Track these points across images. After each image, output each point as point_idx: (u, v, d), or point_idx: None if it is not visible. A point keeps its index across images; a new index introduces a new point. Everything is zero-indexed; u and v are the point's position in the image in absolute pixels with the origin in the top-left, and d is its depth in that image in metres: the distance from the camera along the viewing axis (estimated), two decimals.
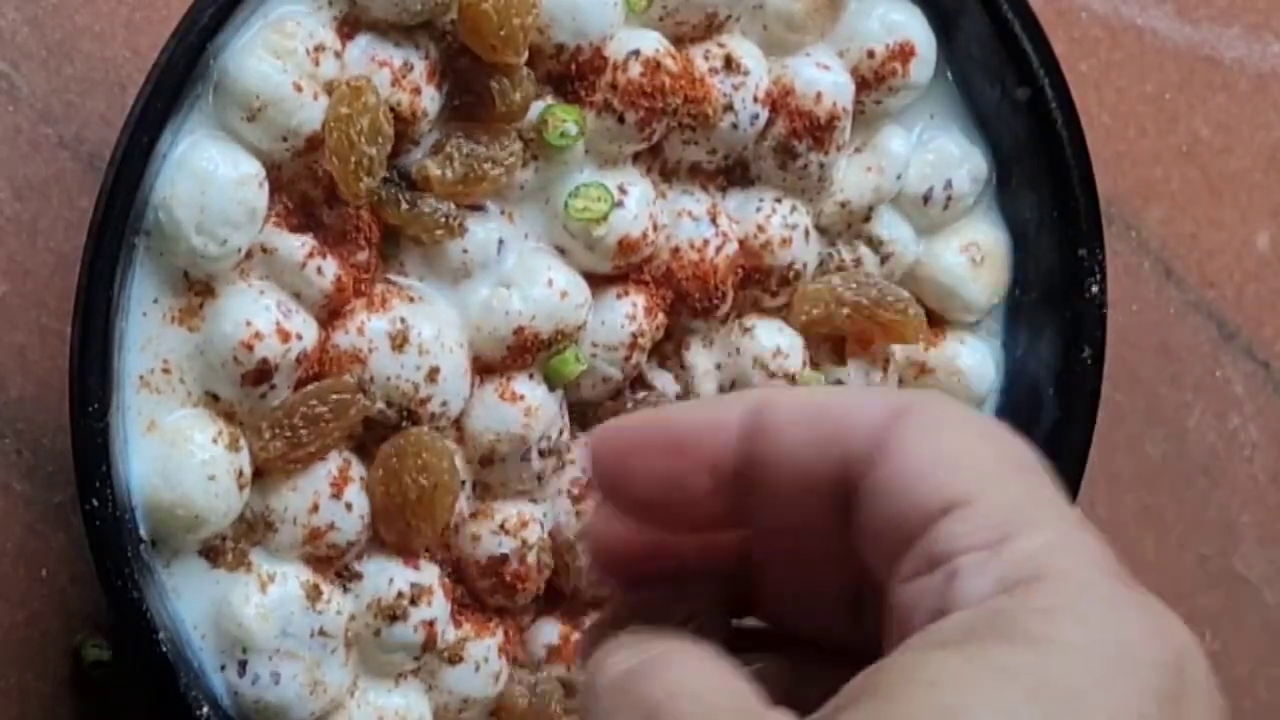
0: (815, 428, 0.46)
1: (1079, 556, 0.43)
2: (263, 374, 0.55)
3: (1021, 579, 0.43)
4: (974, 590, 0.43)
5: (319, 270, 0.55)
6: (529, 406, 0.57)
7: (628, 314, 0.58)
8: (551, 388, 0.58)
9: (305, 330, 0.55)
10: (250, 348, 0.54)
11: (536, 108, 0.57)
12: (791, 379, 0.60)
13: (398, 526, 0.57)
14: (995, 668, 0.41)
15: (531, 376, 0.58)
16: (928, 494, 0.44)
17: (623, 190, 0.58)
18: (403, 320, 0.56)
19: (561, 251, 0.58)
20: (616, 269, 0.59)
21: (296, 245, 0.55)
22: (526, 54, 0.56)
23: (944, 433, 0.45)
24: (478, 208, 0.57)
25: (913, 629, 0.44)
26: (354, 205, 0.56)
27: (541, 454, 0.58)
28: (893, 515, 0.45)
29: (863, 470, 0.46)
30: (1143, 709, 0.41)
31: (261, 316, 0.55)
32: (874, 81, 0.60)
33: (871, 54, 0.60)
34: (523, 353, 0.58)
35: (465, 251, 0.57)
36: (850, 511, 0.46)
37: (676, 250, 0.59)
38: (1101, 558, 0.43)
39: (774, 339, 0.60)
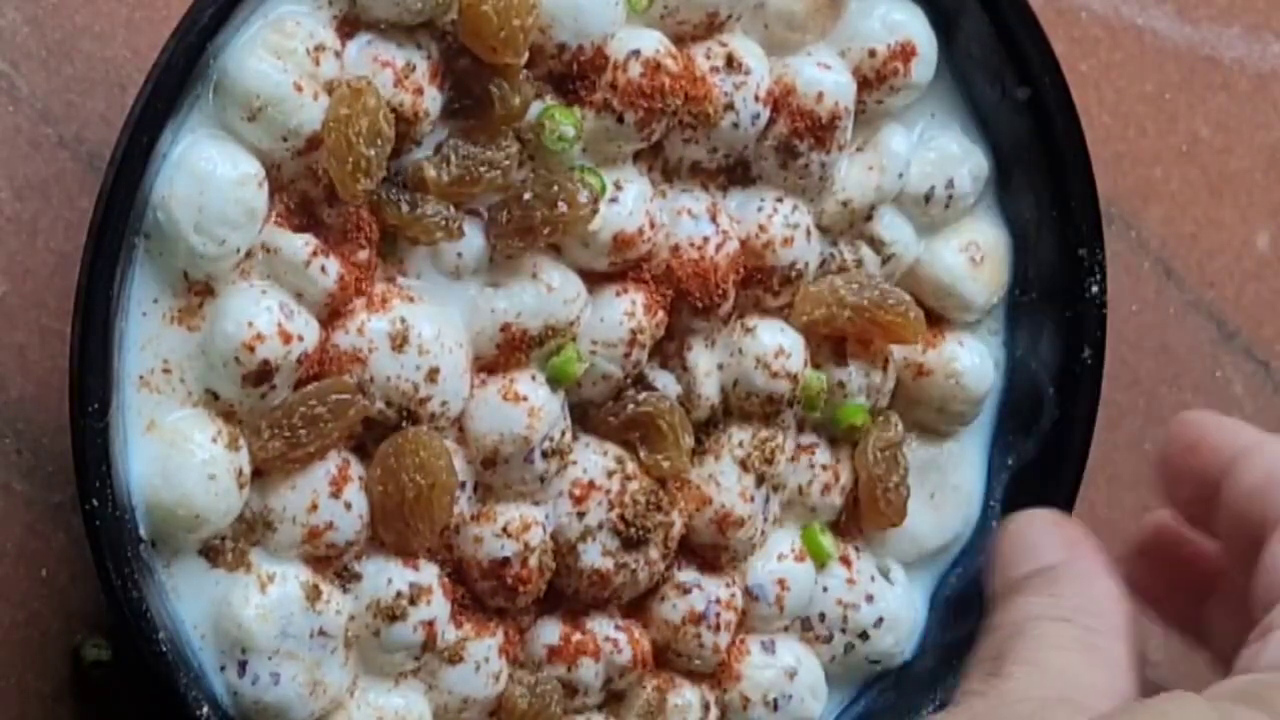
0: (1266, 483, 0.55)
1: None
2: (263, 375, 0.55)
3: None
4: (1270, 659, 0.50)
5: (323, 269, 0.55)
6: (532, 407, 0.57)
7: (626, 311, 0.58)
8: (555, 388, 0.58)
9: (307, 331, 0.55)
10: (252, 349, 0.54)
11: (535, 107, 0.57)
12: (794, 379, 0.60)
13: (396, 526, 0.57)
14: None
15: (534, 378, 0.58)
16: None
17: (618, 186, 0.58)
18: (403, 320, 0.56)
19: (557, 249, 0.58)
20: (614, 266, 0.58)
21: (300, 244, 0.55)
22: (527, 55, 0.56)
23: None
24: (475, 212, 0.57)
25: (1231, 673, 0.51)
26: (353, 205, 0.56)
27: (544, 455, 0.58)
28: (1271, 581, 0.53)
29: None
30: None
31: (263, 317, 0.55)
32: (875, 81, 0.60)
33: (873, 53, 0.60)
34: (513, 350, 0.58)
35: (459, 255, 0.57)
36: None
37: (676, 248, 0.59)
38: None
39: (776, 338, 0.60)
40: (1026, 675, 0.50)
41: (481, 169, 0.57)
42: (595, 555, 0.59)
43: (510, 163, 0.57)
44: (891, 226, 0.62)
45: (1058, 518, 0.58)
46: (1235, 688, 0.49)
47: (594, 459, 0.59)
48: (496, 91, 0.56)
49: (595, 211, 0.57)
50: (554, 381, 0.58)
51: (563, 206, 0.56)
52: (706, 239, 0.59)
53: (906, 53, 0.60)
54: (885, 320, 0.61)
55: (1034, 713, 0.49)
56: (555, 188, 0.57)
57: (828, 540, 0.62)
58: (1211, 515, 0.57)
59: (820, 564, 0.62)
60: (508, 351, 0.58)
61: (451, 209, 0.57)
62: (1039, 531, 0.57)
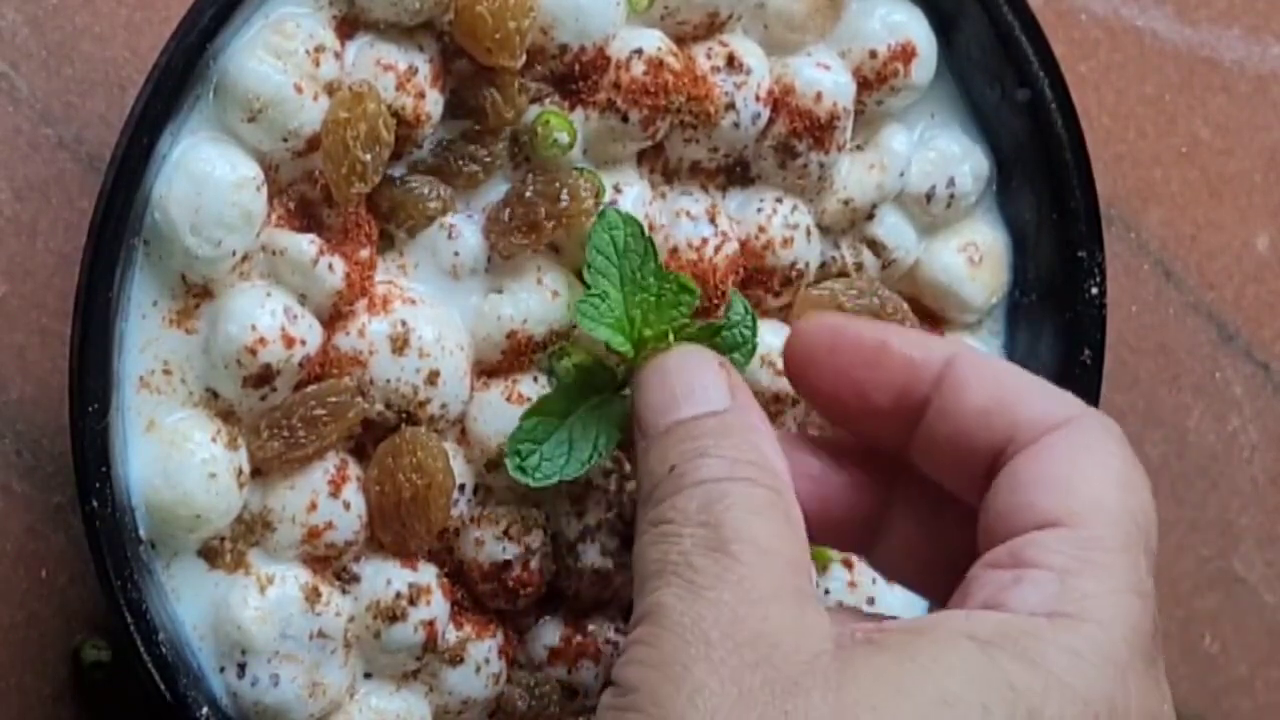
0: (997, 405, 0.53)
1: (1124, 618, 0.49)
2: (264, 378, 0.55)
3: (1068, 613, 0.48)
4: (1027, 601, 0.49)
5: (330, 268, 0.55)
6: None
7: None
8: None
9: (310, 335, 0.55)
10: (254, 352, 0.54)
11: (532, 111, 0.57)
12: None
13: (394, 526, 0.57)
14: (1006, 684, 0.47)
15: (536, 379, 0.58)
16: (1049, 504, 0.50)
17: (618, 189, 0.58)
18: (404, 323, 0.56)
19: (555, 250, 0.58)
20: None
21: (305, 244, 0.55)
22: (524, 57, 0.56)
23: (1090, 454, 0.51)
24: (471, 216, 0.57)
25: (968, 600, 0.50)
26: (349, 207, 0.56)
27: None
28: (1015, 500, 0.51)
29: (1011, 460, 0.52)
30: None
31: (266, 320, 0.55)
32: (875, 82, 0.60)
33: (873, 54, 0.60)
34: (519, 355, 0.58)
35: (457, 254, 0.57)
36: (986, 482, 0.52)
37: (675, 250, 0.59)
38: (1140, 629, 0.49)
39: (779, 338, 0.60)
40: (754, 559, 0.49)
41: (460, 163, 0.57)
42: (595, 555, 0.59)
43: (493, 160, 0.57)
44: (893, 229, 0.62)
45: (721, 359, 0.55)
46: (996, 628, 0.48)
47: None
48: (490, 99, 0.56)
49: (598, 204, 0.57)
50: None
51: (565, 200, 0.56)
52: (705, 240, 0.59)
53: (906, 54, 0.60)
54: None
55: (782, 622, 0.48)
56: (557, 184, 0.57)
57: None
58: (892, 420, 0.54)
59: (822, 566, 0.62)
60: (513, 356, 0.58)
61: (443, 187, 0.57)
62: (705, 371, 0.54)
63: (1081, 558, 0.49)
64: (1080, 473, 0.51)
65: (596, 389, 0.57)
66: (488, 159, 0.57)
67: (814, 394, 0.56)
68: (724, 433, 0.52)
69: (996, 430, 0.52)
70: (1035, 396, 0.53)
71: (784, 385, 0.60)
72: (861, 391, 0.54)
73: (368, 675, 0.58)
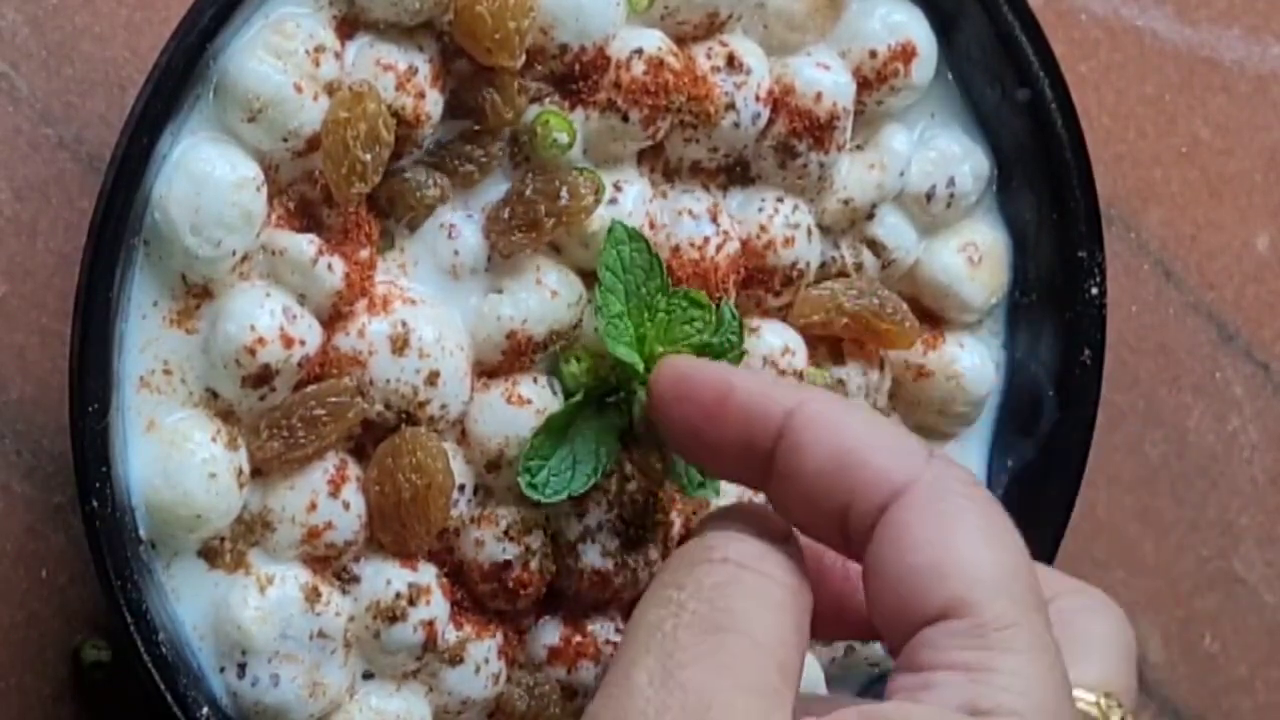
0: (834, 467, 0.50)
1: (1044, 700, 0.46)
2: (263, 378, 0.55)
3: (986, 710, 0.46)
4: (946, 703, 0.46)
5: (329, 267, 0.55)
6: (537, 410, 0.57)
7: None
8: (569, 394, 0.58)
9: (309, 335, 0.55)
10: (253, 352, 0.54)
11: (532, 110, 0.57)
12: (801, 376, 0.60)
13: (393, 527, 0.57)
14: None
15: (536, 380, 0.58)
16: (927, 597, 0.47)
17: (618, 188, 0.58)
18: (404, 324, 0.56)
19: (556, 249, 0.58)
20: None
21: (305, 244, 0.55)
22: (524, 58, 0.56)
23: (945, 519, 0.48)
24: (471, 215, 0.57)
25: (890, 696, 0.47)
26: (349, 207, 0.56)
27: None
28: (891, 599, 0.48)
29: (866, 534, 0.49)
30: None
31: (265, 320, 0.55)
32: (875, 82, 0.60)
33: (873, 54, 0.60)
34: (519, 355, 0.58)
35: (457, 253, 0.57)
36: (854, 548, 0.49)
37: (676, 249, 0.59)
38: (1060, 695, 0.47)
39: (781, 338, 0.60)
40: (744, 650, 0.47)
41: (455, 162, 0.57)
42: (595, 556, 0.59)
43: (489, 160, 0.57)
44: (893, 229, 0.62)
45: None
46: None
47: None
48: (489, 101, 0.56)
49: (598, 202, 0.57)
50: (568, 388, 0.58)
51: (565, 198, 0.56)
52: (707, 239, 0.59)
53: (906, 53, 0.60)
54: (882, 329, 0.61)
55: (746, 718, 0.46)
56: (557, 182, 0.57)
57: None
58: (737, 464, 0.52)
59: None
60: (513, 357, 0.58)
61: (439, 175, 0.57)
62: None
63: (982, 646, 0.47)
64: (944, 548, 0.48)
65: (597, 397, 0.57)
66: (484, 159, 0.57)
67: (671, 441, 0.54)
68: (766, 523, 0.51)
69: (837, 494, 0.50)
70: (874, 454, 0.50)
71: None
72: (708, 443, 0.52)
73: (367, 675, 0.58)
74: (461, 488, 0.57)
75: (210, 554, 0.56)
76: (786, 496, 0.51)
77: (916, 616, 0.48)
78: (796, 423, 0.50)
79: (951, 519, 0.48)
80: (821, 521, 0.50)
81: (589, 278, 0.58)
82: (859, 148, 0.61)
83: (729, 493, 0.59)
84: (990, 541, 0.48)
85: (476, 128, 0.57)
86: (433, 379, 0.56)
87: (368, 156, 0.55)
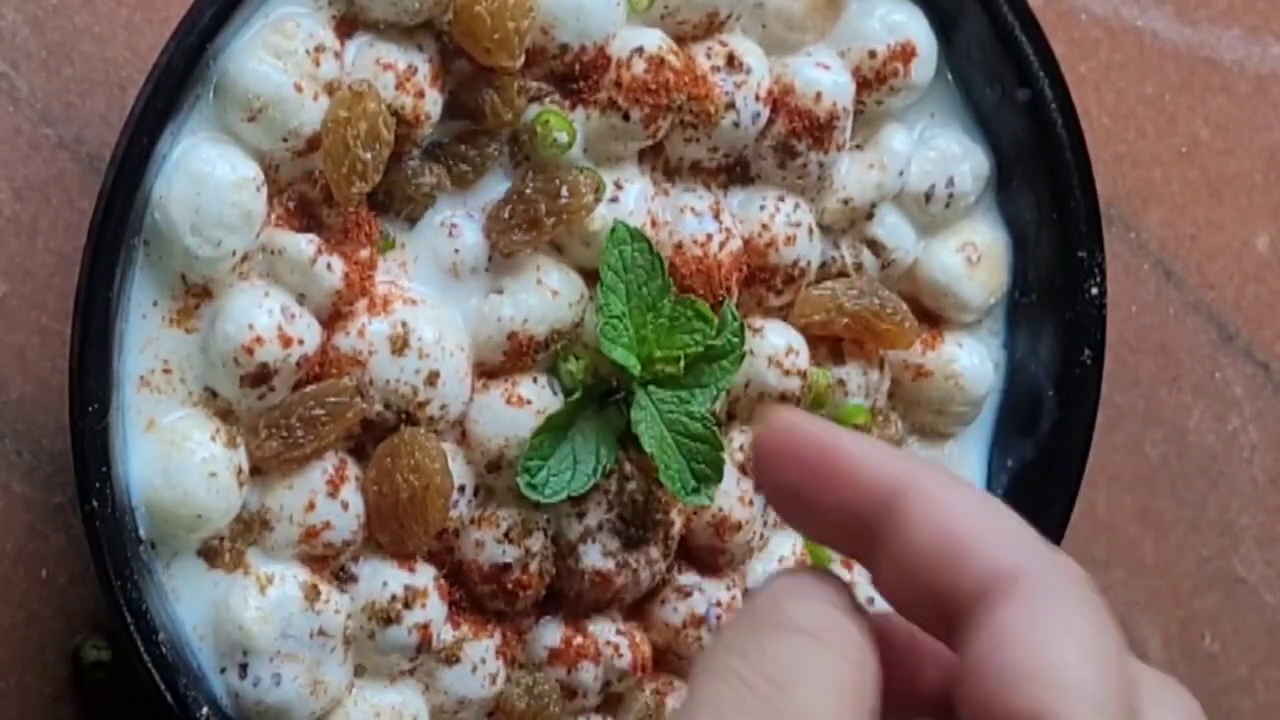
0: (941, 549, 0.48)
1: None
2: (261, 377, 0.55)
3: None
4: None
5: (328, 267, 0.55)
6: (537, 410, 0.57)
7: None
8: (568, 393, 0.58)
9: (308, 335, 0.55)
10: (251, 352, 0.54)
11: (532, 110, 0.57)
12: (804, 376, 0.60)
13: (391, 527, 0.57)
14: None
15: (536, 380, 0.58)
16: (1021, 700, 0.45)
17: (619, 186, 0.58)
18: (404, 324, 0.56)
19: (558, 249, 0.58)
20: None
21: (304, 244, 0.55)
22: (523, 58, 0.56)
23: (1053, 626, 0.47)
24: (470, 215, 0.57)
25: None
26: (350, 206, 0.56)
27: None
28: (980, 694, 0.46)
29: (967, 622, 0.47)
30: None
31: (264, 320, 0.55)
32: (875, 81, 0.60)
33: (873, 54, 0.60)
34: (520, 356, 0.58)
35: (457, 252, 0.57)
36: (951, 635, 0.48)
37: (680, 246, 0.59)
38: None
39: (784, 338, 0.60)
40: None
41: (452, 162, 0.57)
42: (596, 556, 0.59)
43: (484, 161, 0.57)
44: (892, 229, 0.62)
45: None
46: None
47: None
48: (489, 101, 0.56)
49: (598, 200, 0.57)
50: (568, 388, 0.58)
51: (565, 196, 0.56)
52: (710, 236, 0.59)
53: (906, 53, 0.60)
54: (882, 329, 0.61)
55: None
56: (557, 180, 0.57)
57: None
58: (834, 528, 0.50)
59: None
60: (515, 357, 0.58)
61: (434, 165, 0.57)
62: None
63: None
64: (1044, 651, 0.46)
65: (597, 397, 0.57)
66: (479, 159, 0.57)
67: (768, 496, 0.52)
68: (841, 589, 0.49)
69: (941, 577, 0.47)
70: (985, 541, 0.48)
71: (791, 385, 0.60)
72: (807, 503, 0.50)
73: (363, 672, 0.58)
74: (462, 488, 0.57)
75: (210, 554, 0.56)
76: (887, 571, 0.49)
77: (1010, 715, 0.46)
78: (907, 497, 0.48)
79: (1057, 621, 0.47)
80: (921, 601, 0.48)
81: (591, 277, 0.58)
82: (859, 147, 0.61)
83: (728, 492, 0.59)
84: (1089, 653, 0.47)
85: (476, 128, 0.57)
86: (432, 379, 0.56)
87: (368, 155, 0.55)
